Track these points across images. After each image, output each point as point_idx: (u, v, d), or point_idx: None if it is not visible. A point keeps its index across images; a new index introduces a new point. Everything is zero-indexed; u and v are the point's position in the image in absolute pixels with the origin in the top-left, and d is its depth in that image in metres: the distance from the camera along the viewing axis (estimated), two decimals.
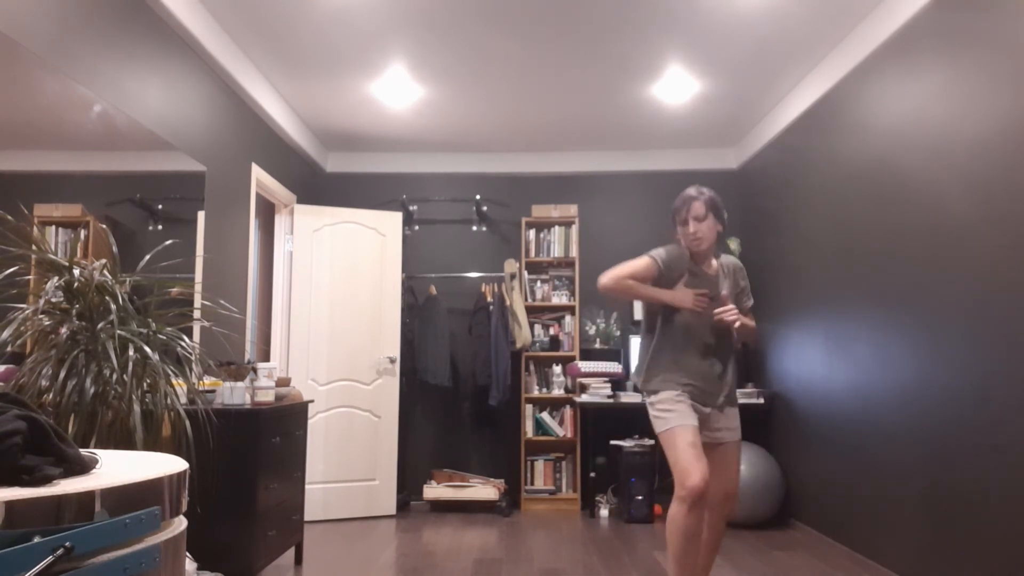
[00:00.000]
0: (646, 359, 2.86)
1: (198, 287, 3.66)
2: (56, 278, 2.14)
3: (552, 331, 5.61)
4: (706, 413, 2.78)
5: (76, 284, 2.16)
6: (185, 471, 1.27)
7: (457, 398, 5.75)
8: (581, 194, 5.91)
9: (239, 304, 4.21)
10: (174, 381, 2.27)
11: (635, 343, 5.43)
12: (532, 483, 5.44)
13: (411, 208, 5.91)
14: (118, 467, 1.26)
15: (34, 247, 2.31)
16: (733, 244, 5.46)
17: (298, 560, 3.77)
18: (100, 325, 2.16)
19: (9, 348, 2.22)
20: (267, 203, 5.21)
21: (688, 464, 2.57)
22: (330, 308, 5.06)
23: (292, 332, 4.96)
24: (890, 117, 3.58)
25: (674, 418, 2.67)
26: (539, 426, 5.44)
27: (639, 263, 2.79)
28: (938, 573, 3.17)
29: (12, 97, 2.34)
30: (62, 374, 2.07)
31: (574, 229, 5.61)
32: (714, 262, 2.92)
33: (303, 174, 5.45)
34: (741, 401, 5.04)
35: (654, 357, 2.83)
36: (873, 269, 3.73)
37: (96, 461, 1.23)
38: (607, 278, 2.75)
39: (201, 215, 3.71)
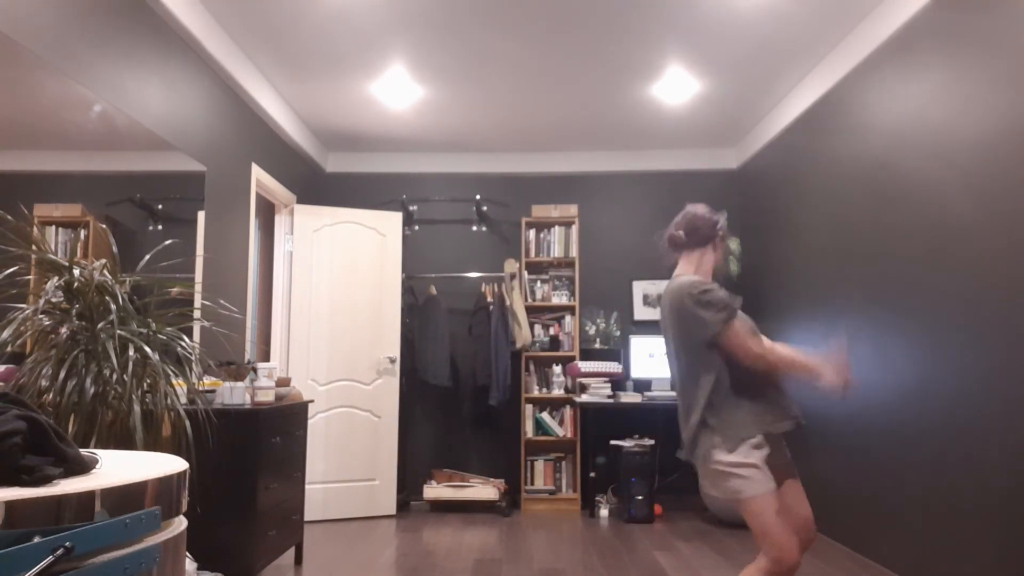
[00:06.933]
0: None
1: (198, 287, 3.66)
2: (56, 278, 2.14)
3: (552, 331, 5.61)
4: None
5: (76, 284, 2.16)
6: (185, 471, 1.27)
7: (457, 398, 5.75)
8: (581, 194, 5.91)
9: (239, 304, 4.21)
10: (174, 381, 2.27)
11: (635, 343, 5.41)
12: (532, 483, 5.44)
13: (411, 208, 5.90)
14: (118, 467, 1.26)
15: (34, 247, 2.31)
16: (733, 244, 5.46)
17: (298, 560, 3.77)
18: (100, 325, 2.16)
19: (9, 348, 2.22)
20: (267, 203, 5.21)
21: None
22: (330, 308, 5.06)
23: (292, 332, 4.96)
24: (890, 117, 3.58)
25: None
26: (539, 426, 5.44)
27: (742, 327, 2.32)
28: (937, 573, 3.17)
29: (12, 97, 2.34)
30: (62, 374, 2.07)
31: (574, 229, 5.61)
32: None
33: (303, 174, 5.45)
34: None
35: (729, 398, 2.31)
36: (873, 269, 3.73)
37: (96, 461, 1.23)
38: (763, 362, 2.36)
39: (201, 215, 3.70)
